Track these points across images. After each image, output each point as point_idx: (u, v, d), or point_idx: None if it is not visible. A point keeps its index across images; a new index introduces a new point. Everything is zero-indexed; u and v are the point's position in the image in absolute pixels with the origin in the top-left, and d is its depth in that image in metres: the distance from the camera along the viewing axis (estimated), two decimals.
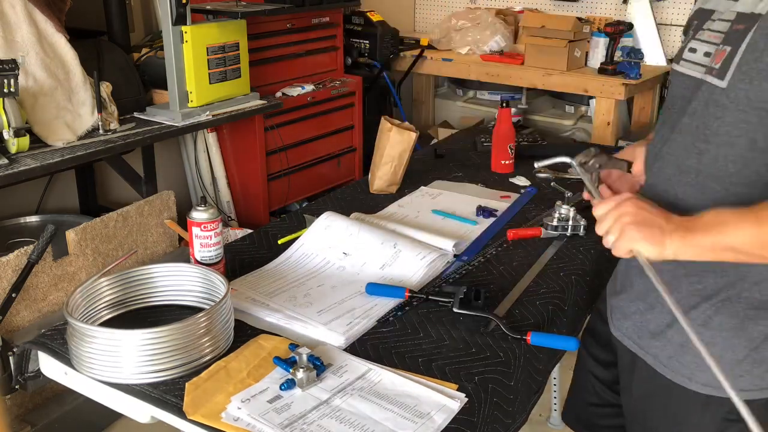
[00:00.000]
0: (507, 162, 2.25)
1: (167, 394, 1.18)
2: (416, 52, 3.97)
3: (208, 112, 2.66)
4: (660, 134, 1.20)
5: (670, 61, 3.73)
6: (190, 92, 2.62)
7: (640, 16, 3.73)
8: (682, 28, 1.12)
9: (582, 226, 1.78)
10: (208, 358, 1.25)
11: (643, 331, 1.24)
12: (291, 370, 1.19)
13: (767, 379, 1.11)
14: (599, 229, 1.09)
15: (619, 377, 1.37)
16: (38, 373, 1.37)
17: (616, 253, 1.07)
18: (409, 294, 1.47)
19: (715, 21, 1.09)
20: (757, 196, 1.00)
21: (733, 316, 1.11)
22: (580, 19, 3.56)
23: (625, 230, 1.04)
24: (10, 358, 1.98)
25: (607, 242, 1.08)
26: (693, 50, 1.12)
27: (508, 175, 2.23)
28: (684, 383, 1.18)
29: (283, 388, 1.17)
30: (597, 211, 1.10)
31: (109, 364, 1.20)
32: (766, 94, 0.97)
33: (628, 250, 1.05)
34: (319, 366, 1.21)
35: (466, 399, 1.18)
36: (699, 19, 1.14)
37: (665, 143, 1.15)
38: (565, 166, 1.24)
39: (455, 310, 1.42)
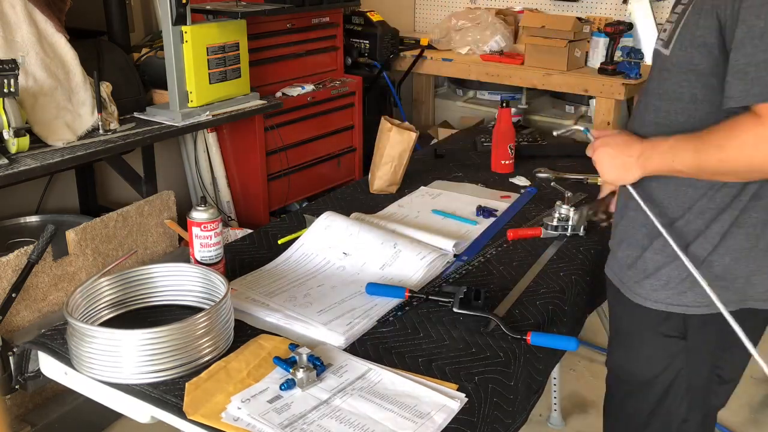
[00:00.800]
0: (507, 162, 2.25)
1: (167, 394, 1.18)
2: (416, 52, 3.97)
3: (208, 112, 2.66)
4: (637, 101, 1.46)
5: None
6: (190, 92, 2.62)
7: (640, 16, 3.73)
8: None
9: (582, 226, 1.78)
10: (208, 358, 1.25)
11: (621, 264, 1.43)
12: (291, 370, 1.19)
13: (707, 297, 1.25)
14: (595, 158, 1.36)
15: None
16: (38, 373, 1.38)
17: (603, 181, 1.44)
18: (409, 294, 1.47)
19: (678, 4, 1.31)
20: None
21: (679, 244, 1.28)
22: (580, 19, 3.56)
23: (601, 169, 1.34)
24: (10, 358, 1.98)
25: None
26: (664, 30, 1.34)
27: (508, 175, 2.23)
28: (643, 303, 1.37)
29: (283, 388, 1.17)
30: (587, 151, 1.38)
31: (109, 364, 1.20)
32: (696, 59, 1.21)
33: (608, 180, 1.36)
34: (319, 366, 1.21)
35: (466, 399, 1.18)
36: (674, 4, 1.37)
37: (637, 105, 1.41)
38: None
39: (455, 310, 1.42)
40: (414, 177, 2.19)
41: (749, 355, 1.39)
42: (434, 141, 3.74)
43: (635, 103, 1.47)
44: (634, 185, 1.32)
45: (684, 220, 1.30)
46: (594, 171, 1.39)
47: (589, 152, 1.37)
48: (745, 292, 1.30)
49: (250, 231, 2.34)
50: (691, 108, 1.25)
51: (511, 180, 2.19)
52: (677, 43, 1.24)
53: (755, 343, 1.40)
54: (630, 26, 3.56)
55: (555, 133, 1.68)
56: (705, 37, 1.18)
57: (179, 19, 2.51)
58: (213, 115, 2.67)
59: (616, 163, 1.30)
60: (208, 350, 1.25)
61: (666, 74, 1.28)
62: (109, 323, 1.37)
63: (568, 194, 1.86)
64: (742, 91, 1.11)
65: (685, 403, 1.40)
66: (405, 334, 1.37)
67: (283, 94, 3.23)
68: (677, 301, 1.32)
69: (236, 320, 1.36)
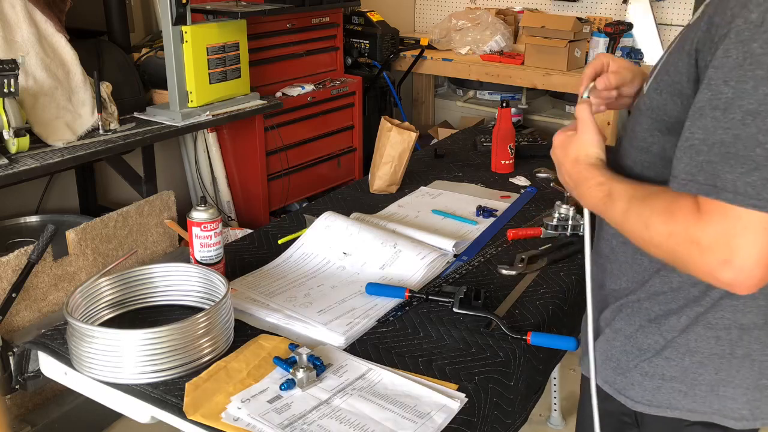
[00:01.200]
0: (507, 162, 2.25)
1: (167, 394, 1.18)
2: (416, 52, 3.97)
3: (208, 112, 2.66)
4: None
5: None
6: (190, 92, 2.62)
7: (640, 16, 3.73)
8: (681, 29, 1.12)
9: (582, 226, 1.78)
10: (208, 358, 1.25)
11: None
12: (291, 370, 1.19)
13: (658, 398, 1.10)
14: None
15: None
16: (38, 373, 1.38)
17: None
18: (409, 294, 1.47)
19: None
20: None
21: (630, 323, 1.12)
22: (580, 19, 3.56)
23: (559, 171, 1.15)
24: (10, 358, 1.98)
25: None
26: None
27: (508, 175, 2.23)
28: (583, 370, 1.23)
29: (283, 388, 1.17)
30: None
31: (109, 364, 1.20)
32: (669, 108, 1.00)
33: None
34: (319, 366, 1.21)
35: (466, 399, 1.18)
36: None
37: (620, 133, 1.23)
38: None
39: (455, 310, 1.42)
40: (414, 177, 2.19)
41: None
42: (434, 141, 3.75)
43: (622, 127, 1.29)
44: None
45: (635, 295, 1.11)
46: None
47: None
48: (710, 404, 1.07)
49: (250, 231, 2.34)
50: (659, 165, 1.03)
51: (511, 180, 2.19)
52: (653, 82, 1.03)
53: None
54: (630, 26, 3.56)
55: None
56: (681, 84, 0.97)
57: (179, 19, 2.51)
58: (213, 115, 2.67)
59: (562, 175, 1.14)
60: (208, 350, 1.25)
61: (639, 116, 1.07)
62: (109, 323, 1.37)
63: (568, 194, 1.86)
64: (688, 173, 0.88)
65: None
66: (405, 334, 1.37)
67: (283, 94, 3.23)
68: (623, 391, 1.14)
69: (236, 320, 1.36)
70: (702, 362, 1.06)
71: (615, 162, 1.15)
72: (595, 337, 1.18)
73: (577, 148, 1.09)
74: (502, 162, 2.26)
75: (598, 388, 1.17)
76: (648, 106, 1.04)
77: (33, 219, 2.69)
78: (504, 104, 2.25)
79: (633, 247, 1.04)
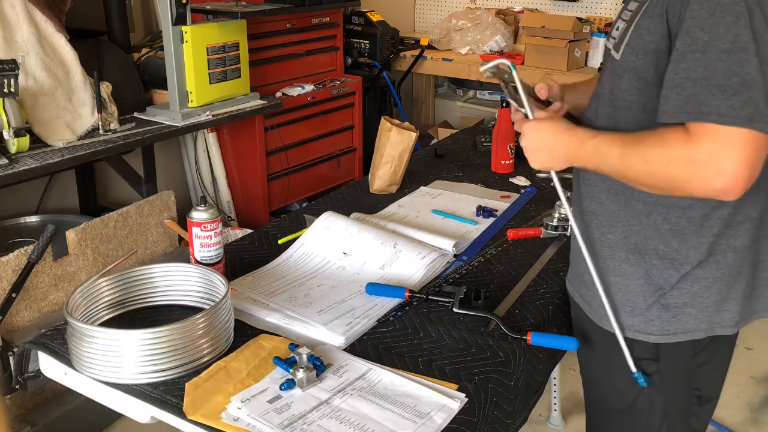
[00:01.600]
0: (507, 162, 2.25)
1: (167, 394, 1.18)
2: (416, 52, 3.97)
3: (208, 112, 2.66)
4: (589, 105, 1.35)
5: None
6: (190, 92, 2.62)
7: None
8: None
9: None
10: (208, 358, 1.25)
11: (577, 277, 1.40)
12: (291, 370, 1.19)
13: (674, 326, 1.23)
14: (522, 144, 1.27)
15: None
16: (38, 373, 1.37)
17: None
18: (409, 294, 1.47)
19: (630, 2, 1.25)
20: None
21: (639, 266, 1.24)
22: (580, 19, 3.57)
23: (528, 156, 1.26)
24: (10, 358, 1.98)
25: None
26: (617, 28, 1.27)
27: (508, 175, 2.23)
28: (599, 322, 1.32)
29: (283, 388, 1.17)
30: (521, 128, 1.27)
31: (109, 364, 1.20)
32: (645, 67, 1.14)
33: (534, 166, 1.27)
34: (319, 366, 1.21)
35: (466, 399, 1.18)
36: (624, 1, 1.31)
37: (589, 111, 1.32)
38: (502, 73, 1.28)
39: (455, 310, 1.42)
40: (414, 177, 2.19)
41: (726, 369, 1.37)
42: (434, 141, 3.75)
43: (588, 104, 1.37)
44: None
45: (638, 236, 1.22)
46: None
47: (518, 127, 1.29)
48: (713, 320, 1.23)
49: (250, 231, 2.34)
50: (642, 119, 1.17)
51: (511, 180, 2.19)
52: (627, 47, 1.16)
53: (726, 366, 1.37)
54: None
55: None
56: (656, 43, 1.11)
57: (179, 19, 2.51)
58: (213, 115, 2.67)
59: (544, 157, 1.23)
60: (208, 350, 1.25)
61: (617, 80, 1.20)
62: (109, 323, 1.37)
63: (568, 194, 1.86)
64: (677, 106, 1.04)
65: (664, 428, 1.31)
66: (405, 334, 1.37)
67: (283, 94, 3.23)
68: (644, 329, 1.25)
69: (236, 320, 1.36)
70: (708, 286, 1.21)
71: (589, 125, 1.27)
72: (598, 288, 1.28)
73: (551, 127, 1.22)
74: (502, 162, 2.26)
75: (610, 336, 1.28)
76: (625, 68, 1.17)
77: (33, 219, 2.69)
78: (504, 104, 2.25)
79: (625, 195, 1.21)
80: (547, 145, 1.22)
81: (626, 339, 1.27)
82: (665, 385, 1.29)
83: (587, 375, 1.46)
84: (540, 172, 2.20)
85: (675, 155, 1.04)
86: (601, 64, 1.68)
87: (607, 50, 1.29)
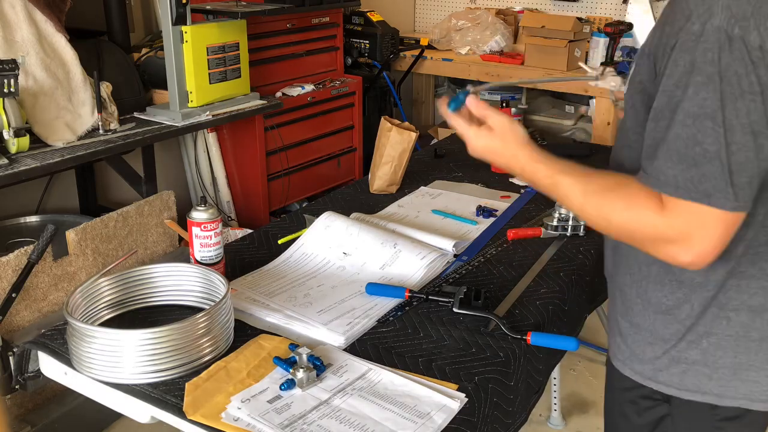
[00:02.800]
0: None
1: (167, 394, 1.18)
2: (416, 52, 3.97)
3: (208, 112, 2.66)
4: None
5: None
6: (190, 92, 2.62)
7: (639, 16, 3.73)
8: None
9: (582, 226, 1.78)
10: (208, 358, 1.25)
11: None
12: (291, 370, 1.19)
13: (686, 382, 1.14)
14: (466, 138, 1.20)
15: None
16: (38, 373, 1.37)
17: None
18: (409, 294, 1.47)
19: None
20: None
21: (645, 317, 1.17)
22: (580, 19, 3.56)
23: (481, 153, 1.20)
24: (10, 358, 1.98)
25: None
26: None
27: (508, 175, 2.22)
28: (620, 368, 1.24)
29: (283, 388, 1.17)
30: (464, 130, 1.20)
31: (109, 364, 1.20)
32: (638, 107, 1.08)
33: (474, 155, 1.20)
34: (319, 366, 1.21)
35: (466, 399, 1.18)
36: None
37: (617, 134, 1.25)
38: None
39: (455, 310, 1.42)
40: (414, 177, 2.19)
41: None
42: (434, 141, 3.75)
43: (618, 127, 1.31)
44: None
45: (641, 287, 1.16)
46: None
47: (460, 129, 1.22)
48: (736, 389, 1.12)
49: (250, 231, 2.34)
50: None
51: (511, 180, 2.19)
52: (630, 83, 1.11)
53: None
54: (630, 26, 3.56)
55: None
56: (644, 84, 1.05)
57: (179, 19, 2.51)
58: (213, 115, 2.67)
59: (500, 161, 1.18)
60: (208, 350, 1.25)
61: (625, 118, 1.14)
62: (109, 323, 1.37)
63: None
64: (643, 169, 1.01)
65: None
66: (405, 334, 1.37)
67: (283, 94, 3.23)
68: (654, 377, 1.17)
69: (236, 320, 1.36)
70: (719, 344, 1.11)
71: (612, 160, 1.20)
72: (616, 330, 1.24)
73: (505, 145, 1.16)
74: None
75: (626, 378, 1.22)
76: (627, 108, 1.11)
77: (33, 219, 2.69)
78: (504, 104, 2.25)
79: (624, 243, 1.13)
80: (500, 160, 1.18)
81: (636, 382, 1.21)
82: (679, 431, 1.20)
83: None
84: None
85: (642, 223, 1.00)
86: None
87: None
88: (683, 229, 0.96)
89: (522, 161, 1.14)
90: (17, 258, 2.07)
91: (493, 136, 1.17)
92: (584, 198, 1.06)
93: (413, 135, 2.06)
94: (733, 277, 1.08)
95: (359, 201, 2.04)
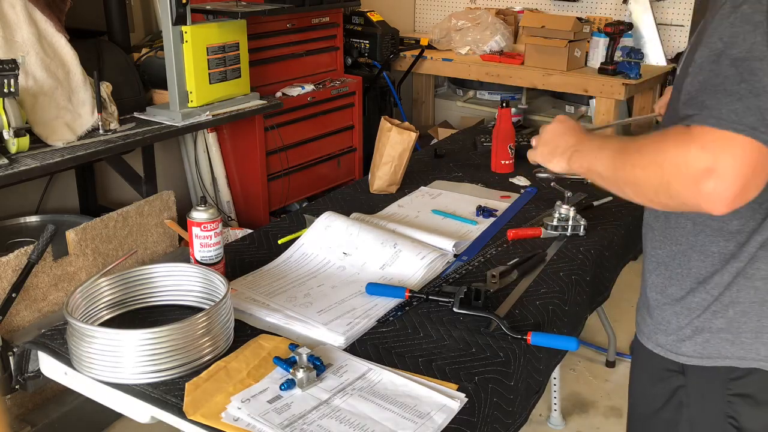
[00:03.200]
0: (507, 162, 2.25)
1: (167, 394, 1.18)
2: (416, 52, 3.97)
3: (208, 112, 2.66)
4: None
5: (670, 60, 3.73)
6: (190, 92, 2.62)
7: (639, 16, 3.73)
8: (681, 28, 1.23)
9: (582, 226, 1.78)
10: (208, 358, 1.25)
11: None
12: (291, 370, 1.19)
13: (708, 349, 1.19)
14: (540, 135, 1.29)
15: None
16: (38, 373, 1.38)
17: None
18: (409, 294, 1.47)
19: None
20: None
21: (681, 288, 1.21)
22: (580, 19, 3.56)
23: (536, 149, 1.28)
24: (10, 358, 1.98)
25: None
26: None
27: (508, 175, 2.23)
28: (645, 342, 1.29)
29: (283, 388, 1.17)
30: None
31: (109, 364, 1.20)
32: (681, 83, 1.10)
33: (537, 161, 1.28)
34: (319, 366, 1.21)
35: (466, 399, 1.18)
36: None
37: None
38: None
39: (455, 310, 1.42)
40: (414, 177, 2.19)
41: None
42: (434, 141, 3.75)
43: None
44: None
45: (682, 258, 1.20)
46: None
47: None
48: (757, 351, 1.17)
49: (250, 231, 2.34)
50: None
51: (511, 180, 2.19)
52: (683, 66, 1.16)
53: None
54: (630, 26, 3.56)
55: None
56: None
57: (179, 19, 2.51)
58: (213, 115, 2.67)
59: (549, 148, 1.24)
60: (208, 350, 1.25)
61: (676, 96, 1.18)
62: (109, 323, 1.37)
63: (568, 194, 1.86)
64: (683, 113, 1.02)
65: None
66: (405, 334, 1.37)
67: (283, 94, 3.23)
68: (675, 349, 1.23)
69: (236, 320, 1.36)
70: (745, 311, 1.16)
71: None
72: (645, 306, 1.29)
73: (569, 123, 1.24)
74: (502, 162, 2.25)
75: (647, 352, 1.27)
76: (677, 87, 1.13)
77: (33, 219, 2.69)
78: (504, 104, 2.25)
79: (676, 212, 1.18)
80: (556, 135, 1.23)
81: (657, 355, 1.25)
82: (693, 401, 1.25)
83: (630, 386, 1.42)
84: (539, 171, 2.20)
85: (668, 149, 1.00)
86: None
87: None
88: (707, 150, 0.95)
89: (574, 135, 1.20)
90: (17, 258, 2.07)
91: (555, 123, 1.26)
92: (621, 144, 1.09)
93: (413, 135, 2.06)
94: (764, 248, 1.12)
95: (359, 201, 2.04)
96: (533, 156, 1.29)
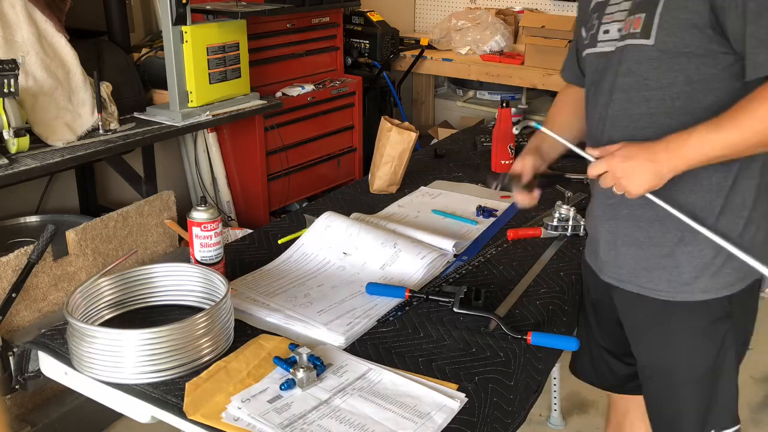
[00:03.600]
0: (507, 162, 2.25)
1: (167, 394, 1.18)
2: (416, 52, 3.97)
3: (208, 112, 2.66)
4: (595, 106, 1.40)
5: None
6: (190, 92, 2.62)
7: None
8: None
9: (582, 226, 1.78)
10: (208, 358, 1.25)
11: (637, 268, 1.39)
12: (291, 370, 1.19)
13: (743, 270, 1.31)
14: (603, 184, 1.26)
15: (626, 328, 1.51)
16: (38, 373, 1.38)
17: (630, 196, 1.25)
18: (409, 294, 1.47)
19: (613, 5, 1.35)
20: (698, 119, 1.21)
21: (715, 227, 1.28)
22: (507, 103, 3.55)
23: (630, 184, 1.23)
24: (10, 358, 1.98)
25: (618, 190, 1.26)
26: (606, 31, 1.35)
27: None
28: (680, 298, 1.35)
29: (283, 388, 1.17)
30: (593, 171, 1.27)
31: (109, 364, 1.20)
32: (686, 42, 1.22)
33: (639, 193, 1.24)
34: (319, 366, 1.21)
35: (466, 399, 1.18)
36: (599, 10, 1.39)
37: (608, 106, 1.35)
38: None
39: (455, 310, 1.42)
40: (414, 177, 2.19)
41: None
42: (434, 141, 3.74)
43: (588, 112, 1.44)
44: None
45: (702, 201, 1.29)
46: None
47: (594, 172, 1.27)
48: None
49: (250, 231, 2.34)
50: (688, 90, 1.25)
51: None
52: (662, 30, 1.23)
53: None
54: None
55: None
56: (694, 19, 1.20)
57: (179, 19, 2.51)
58: (213, 115, 2.67)
59: (648, 175, 1.21)
60: (208, 350, 1.25)
61: (654, 62, 1.26)
62: (109, 323, 1.37)
63: (568, 194, 1.87)
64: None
65: (734, 375, 1.40)
66: (405, 334, 1.37)
67: (283, 94, 3.23)
68: (718, 284, 1.32)
69: (236, 320, 1.36)
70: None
71: (616, 133, 1.32)
72: (672, 265, 1.34)
73: (639, 147, 1.24)
74: (502, 162, 2.25)
75: (684, 305, 1.35)
76: (661, 49, 1.24)
77: (33, 219, 2.69)
78: (504, 104, 2.25)
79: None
80: (646, 163, 1.21)
81: (699, 303, 1.34)
82: (737, 336, 1.37)
83: (651, 355, 1.46)
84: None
85: None
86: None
87: (610, 53, 1.33)
88: None
89: (659, 146, 1.22)
90: (17, 258, 2.07)
91: (617, 148, 1.26)
92: (732, 120, 1.17)
93: (413, 135, 2.06)
94: None
95: (359, 201, 2.04)
96: (600, 169, 1.26)
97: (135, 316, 1.41)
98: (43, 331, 1.39)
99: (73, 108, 2.38)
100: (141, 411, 1.20)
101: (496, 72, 3.73)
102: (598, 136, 1.38)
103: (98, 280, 1.37)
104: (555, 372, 2.41)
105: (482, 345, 1.33)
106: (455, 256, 1.69)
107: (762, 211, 1.31)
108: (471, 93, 4.41)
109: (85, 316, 1.32)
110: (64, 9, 2.46)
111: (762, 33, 1.14)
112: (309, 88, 3.32)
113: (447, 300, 1.45)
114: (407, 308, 1.45)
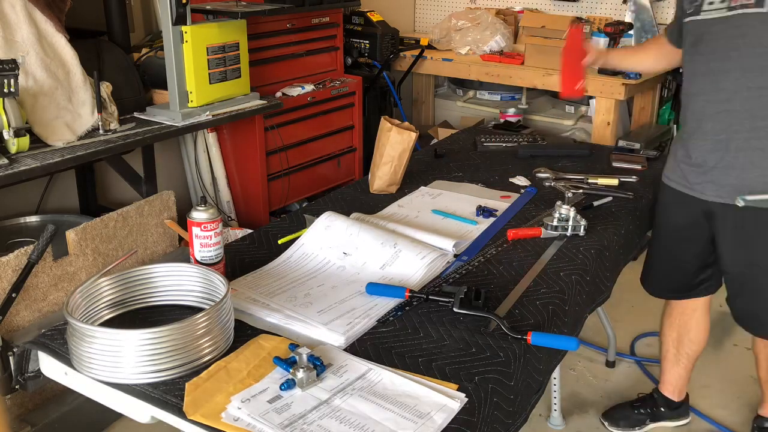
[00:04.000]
0: (580, 85, 1.91)
1: (167, 394, 1.18)
2: (416, 52, 3.97)
3: (208, 112, 2.66)
4: (705, 72, 1.75)
5: None
6: (190, 92, 2.62)
7: (639, 15, 3.72)
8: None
9: (582, 226, 1.78)
10: (208, 358, 1.25)
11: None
12: (291, 370, 1.19)
13: None
14: None
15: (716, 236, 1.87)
16: (38, 373, 1.38)
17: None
18: (409, 294, 1.47)
19: None
20: None
21: None
22: (580, 19, 3.56)
23: None
24: (10, 358, 1.98)
25: None
26: (711, 2, 1.65)
27: (509, 175, 2.22)
28: None
29: (283, 388, 1.17)
30: None
31: (109, 364, 1.20)
32: None
33: None
34: (319, 366, 1.21)
35: (466, 399, 1.18)
36: None
37: (726, 74, 1.69)
38: None
39: (455, 310, 1.42)
40: (414, 177, 2.19)
41: None
42: (434, 141, 3.74)
43: (687, 95, 1.82)
44: None
45: None
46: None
47: None
48: None
49: (250, 231, 2.34)
50: None
51: (511, 180, 2.19)
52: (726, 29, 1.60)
53: None
54: (630, 26, 3.56)
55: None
56: None
57: (179, 19, 2.51)
58: (213, 115, 2.67)
59: None
60: (208, 350, 1.25)
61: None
62: (109, 323, 1.37)
63: (568, 194, 1.86)
64: None
65: None
66: (405, 334, 1.37)
67: (283, 94, 3.23)
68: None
69: (236, 320, 1.36)
70: None
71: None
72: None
73: None
74: (575, 86, 1.93)
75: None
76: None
77: (33, 219, 2.69)
78: (576, 21, 2.11)
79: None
80: None
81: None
82: None
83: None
84: (539, 171, 2.20)
85: None
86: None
87: (719, 19, 1.67)
88: None
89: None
90: (17, 258, 2.06)
91: None
92: None
93: (413, 135, 2.06)
94: None
95: (359, 201, 2.04)
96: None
97: (135, 316, 1.41)
98: (43, 331, 1.39)
99: (73, 108, 2.38)
100: (141, 411, 1.20)
101: (496, 72, 3.73)
102: (704, 118, 1.76)
103: (98, 280, 1.37)
104: (555, 372, 2.41)
105: (482, 345, 1.33)
106: (455, 256, 1.69)
107: None
108: (471, 93, 4.41)
109: (85, 316, 1.32)
110: (64, 9, 2.46)
111: None
112: (309, 88, 3.32)
113: (447, 300, 1.45)
114: (407, 308, 1.45)
